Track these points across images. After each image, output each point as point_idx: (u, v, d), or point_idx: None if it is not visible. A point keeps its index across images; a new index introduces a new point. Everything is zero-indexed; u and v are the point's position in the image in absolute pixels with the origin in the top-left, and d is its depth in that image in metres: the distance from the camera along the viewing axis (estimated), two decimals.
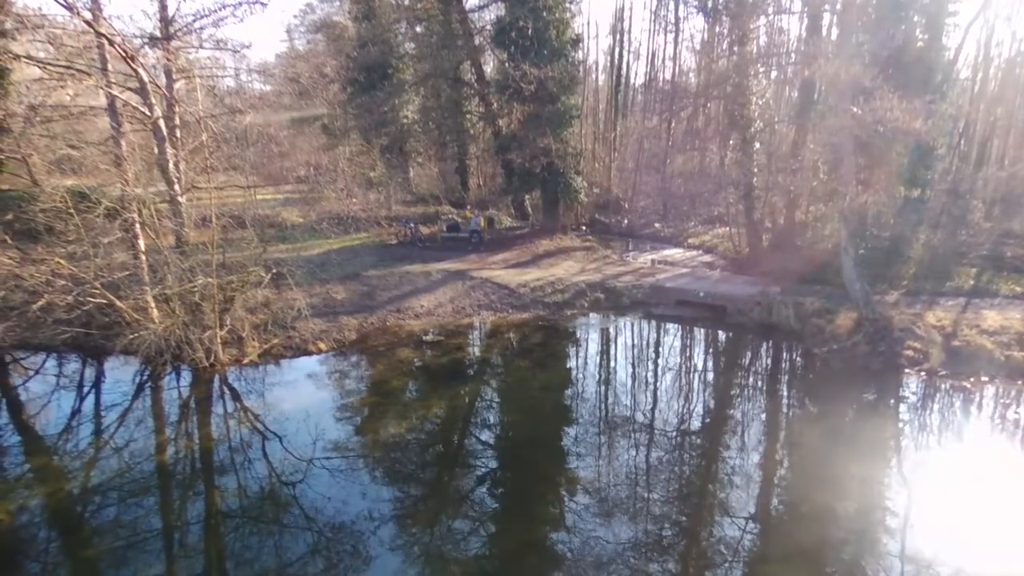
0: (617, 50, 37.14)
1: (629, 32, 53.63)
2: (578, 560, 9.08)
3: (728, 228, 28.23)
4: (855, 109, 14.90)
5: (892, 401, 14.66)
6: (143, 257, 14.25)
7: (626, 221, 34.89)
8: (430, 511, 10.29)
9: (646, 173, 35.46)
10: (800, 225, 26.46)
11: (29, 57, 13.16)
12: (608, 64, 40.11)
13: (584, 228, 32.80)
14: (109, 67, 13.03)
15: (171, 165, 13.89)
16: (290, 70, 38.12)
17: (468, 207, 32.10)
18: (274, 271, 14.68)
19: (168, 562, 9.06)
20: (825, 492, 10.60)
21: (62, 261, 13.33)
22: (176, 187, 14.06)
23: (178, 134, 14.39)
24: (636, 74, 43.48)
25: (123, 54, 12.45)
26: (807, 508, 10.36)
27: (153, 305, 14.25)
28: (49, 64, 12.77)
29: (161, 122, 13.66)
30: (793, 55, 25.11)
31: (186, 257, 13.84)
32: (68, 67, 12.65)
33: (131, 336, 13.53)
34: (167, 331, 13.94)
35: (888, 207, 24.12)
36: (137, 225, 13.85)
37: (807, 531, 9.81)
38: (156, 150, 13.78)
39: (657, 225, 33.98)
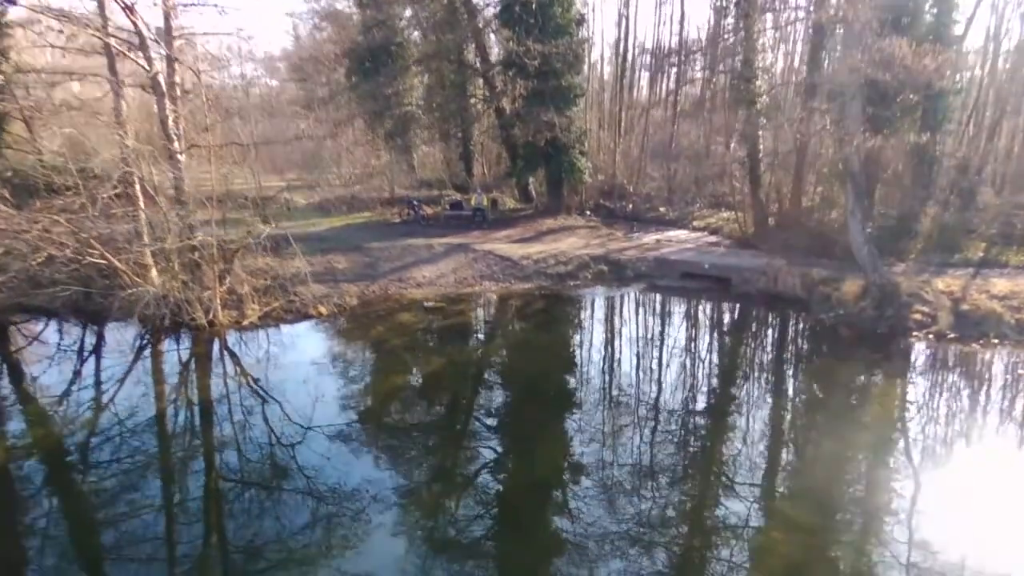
0: (623, 26, 36.95)
1: (636, 17, 53.31)
2: (575, 498, 9.03)
3: (734, 212, 28.02)
4: (862, 54, 14.45)
5: (900, 363, 14.42)
6: (142, 215, 14.16)
7: (630, 206, 34.66)
8: (430, 470, 10.08)
9: (651, 157, 35.25)
10: (806, 211, 26.20)
11: None
12: (613, 55, 39.94)
13: (588, 213, 32.62)
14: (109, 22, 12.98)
15: (170, 121, 13.80)
16: (297, 60, 38.22)
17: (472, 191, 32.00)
18: (273, 224, 14.52)
19: (167, 524, 8.79)
20: (834, 455, 10.27)
21: (59, 219, 13.24)
22: (176, 144, 13.97)
23: (178, 92, 14.33)
24: (641, 43, 42.91)
25: (123, 6, 12.40)
26: (815, 470, 10.05)
27: (152, 263, 14.15)
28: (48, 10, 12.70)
29: (161, 78, 13.60)
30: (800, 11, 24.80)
31: (186, 214, 13.74)
32: (67, 16, 12.57)
33: (129, 291, 13.41)
34: (166, 290, 13.84)
35: (896, 184, 23.94)
36: (137, 182, 13.75)
37: (814, 494, 9.38)
38: (156, 107, 13.71)
39: (662, 209, 33.67)
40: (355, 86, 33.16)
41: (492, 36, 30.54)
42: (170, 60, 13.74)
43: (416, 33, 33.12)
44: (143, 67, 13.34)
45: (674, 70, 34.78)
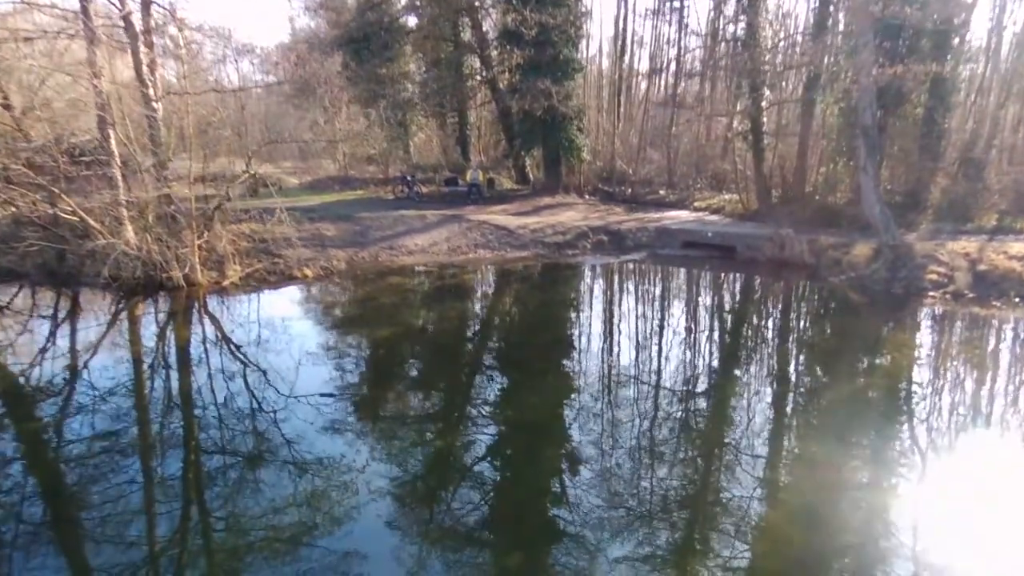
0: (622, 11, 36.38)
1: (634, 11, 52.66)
2: (565, 436, 8.57)
3: (736, 194, 27.32)
4: None
5: (916, 324, 13.69)
6: (117, 171, 13.36)
7: (630, 190, 34.02)
8: (420, 440, 9.11)
9: (651, 138, 34.62)
10: (810, 195, 25.49)
11: None
12: (612, 45, 39.33)
13: (587, 197, 31.95)
14: None
15: (144, 67, 13.02)
16: (292, 54, 37.47)
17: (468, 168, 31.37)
18: (252, 170, 13.67)
19: (146, 498, 7.79)
20: (850, 428, 9.21)
21: (26, 170, 12.43)
22: (151, 91, 13.19)
23: (154, 39, 13.57)
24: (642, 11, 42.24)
25: None
26: (832, 445, 9.06)
27: (126, 218, 13.35)
28: None
29: (135, 19, 12.82)
30: None
31: (161, 163, 12.94)
32: None
33: (101, 243, 12.58)
34: (141, 247, 13.03)
35: (903, 159, 23.24)
36: (112, 134, 12.93)
37: (828, 470, 8.33)
38: (129, 50, 12.94)
39: (662, 192, 33.03)
40: (350, 70, 32.52)
41: (488, 11, 29.96)
42: (145, 3, 13.00)
43: (412, 19, 32.56)
44: (114, 5, 12.61)
45: (674, 50, 34.12)
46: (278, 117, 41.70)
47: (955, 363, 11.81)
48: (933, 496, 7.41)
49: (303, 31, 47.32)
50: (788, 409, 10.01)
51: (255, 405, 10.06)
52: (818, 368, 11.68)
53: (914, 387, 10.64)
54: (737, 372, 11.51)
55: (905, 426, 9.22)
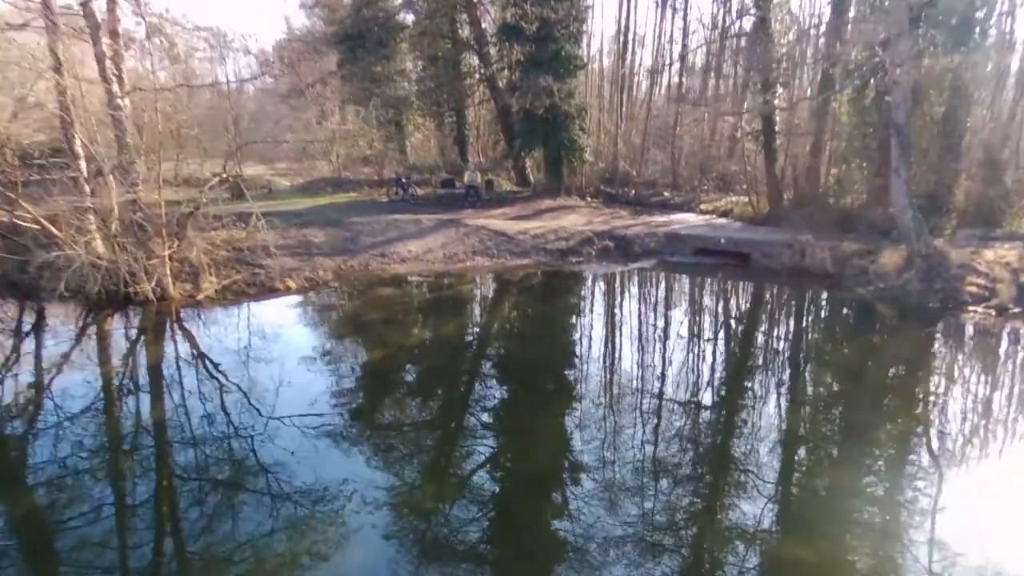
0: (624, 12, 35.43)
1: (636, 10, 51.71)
2: (574, 495, 7.40)
3: (745, 195, 26.20)
4: None
5: (958, 342, 12.53)
6: (79, 174, 12.14)
7: (633, 192, 32.95)
8: (411, 465, 8.21)
9: (655, 138, 33.51)
10: (823, 195, 24.40)
11: None
12: (613, 43, 38.33)
13: (589, 199, 30.88)
14: None
15: (108, 60, 11.82)
16: (285, 52, 36.48)
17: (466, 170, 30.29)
18: (230, 175, 12.49)
19: (117, 529, 7.02)
20: (880, 450, 8.42)
21: None
22: (115, 88, 11.99)
23: (120, 30, 12.37)
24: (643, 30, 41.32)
25: None
26: (861, 465, 8.16)
27: (94, 228, 12.15)
28: None
29: (96, 6, 11.63)
30: None
31: (127, 164, 11.75)
32: None
33: (54, 254, 11.38)
34: (107, 257, 11.83)
35: (922, 161, 22.15)
36: (76, 130, 11.72)
37: (852, 487, 7.59)
38: (91, 40, 11.72)
39: (666, 194, 31.91)
40: (345, 68, 31.49)
41: (487, 7, 28.94)
42: None
43: (409, 15, 31.56)
44: None
45: (677, 47, 33.02)
46: (257, 118, 40.17)
47: (1010, 388, 10.64)
48: (965, 538, 6.42)
49: (299, 30, 46.28)
50: (819, 439, 8.88)
51: (232, 429, 9.10)
52: (851, 393, 10.46)
53: (965, 414, 9.50)
54: (764, 395, 10.32)
55: (950, 457, 8.12)
